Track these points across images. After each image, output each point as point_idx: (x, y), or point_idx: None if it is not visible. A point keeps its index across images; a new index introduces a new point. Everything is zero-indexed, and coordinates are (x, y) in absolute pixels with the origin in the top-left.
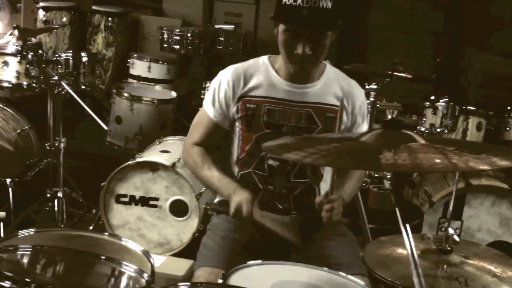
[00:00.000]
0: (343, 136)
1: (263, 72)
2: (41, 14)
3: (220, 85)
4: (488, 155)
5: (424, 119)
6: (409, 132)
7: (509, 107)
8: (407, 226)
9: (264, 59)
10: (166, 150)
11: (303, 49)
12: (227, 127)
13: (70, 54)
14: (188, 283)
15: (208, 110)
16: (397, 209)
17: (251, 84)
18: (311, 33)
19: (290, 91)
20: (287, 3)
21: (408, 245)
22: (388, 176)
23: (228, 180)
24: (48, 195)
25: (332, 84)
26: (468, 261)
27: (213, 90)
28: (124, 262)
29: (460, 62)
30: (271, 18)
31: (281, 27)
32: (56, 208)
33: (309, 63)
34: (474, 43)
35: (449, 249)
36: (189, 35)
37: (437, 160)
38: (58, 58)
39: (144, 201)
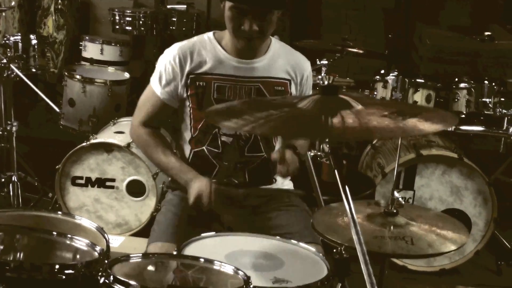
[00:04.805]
0: (283, 101)
1: (210, 49)
2: None
3: (167, 63)
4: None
5: (375, 93)
6: (346, 97)
7: (456, 79)
8: (346, 186)
9: (209, 36)
10: (120, 131)
11: (250, 25)
12: (175, 106)
13: (19, 37)
14: (140, 254)
15: (156, 88)
16: (335, 171)
17: (199, 61)
18: (258, 10)
19: (238, 67)
20: None
21: (346, 204)
22: (327, 140)
23: (185, 167)
24: (3, 180)
25: (279, 58)
26: (413, 222)
27: (160, 68)
28: (76, 237)
29: (411, 38)
30: None
31: (228, 3)
32: (11, 193)
33: (256, 39)
34: (424, 18)
35: (395, 211)
36: (141, 16)
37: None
38: (7, 41)
39: (100, 183)
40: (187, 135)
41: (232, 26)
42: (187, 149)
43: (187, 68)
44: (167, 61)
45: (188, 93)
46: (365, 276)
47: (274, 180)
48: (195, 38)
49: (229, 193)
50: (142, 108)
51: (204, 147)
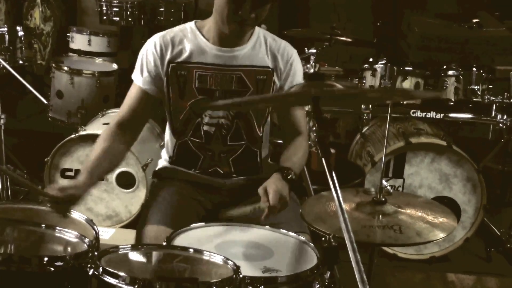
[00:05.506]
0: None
1: (191, 38)
2: None
3: (148, 52)
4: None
5: (364, 81)
6: (331, 82)
7: (445, 67)
8: (333, 173)
9: (190, 25)
10: (109, 123)
11: (249, 11)
12: (156, 95)
13: (5, 29)
14: (129, 245)
15: (137, 79)
16: (323, 159)
17: (180, 50)
18: None
19: (219, 55)
20: None
21: (334, 192)
22: (314, 129)
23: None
24: None
25: (261, 46)
26: (401, 210)
27: (141, 58)
28: (65, 229)
29: (400, 26)
30: None
31: None
32: (0, 186)
33: (249, 25)
34: (413, 6)
35: (383, 200)
36: (128, 6)
37: None
38: None
39: None
40: (171, 127)
41: (228, 10)
42: (173, 142)
43: (168, 57)
44: (148, 50)
45: (170, 82)
46: (353, 264)
47: (260, 171)
48: (176, 28)
49: None
50: (123, 104)
51: (187, 138)
